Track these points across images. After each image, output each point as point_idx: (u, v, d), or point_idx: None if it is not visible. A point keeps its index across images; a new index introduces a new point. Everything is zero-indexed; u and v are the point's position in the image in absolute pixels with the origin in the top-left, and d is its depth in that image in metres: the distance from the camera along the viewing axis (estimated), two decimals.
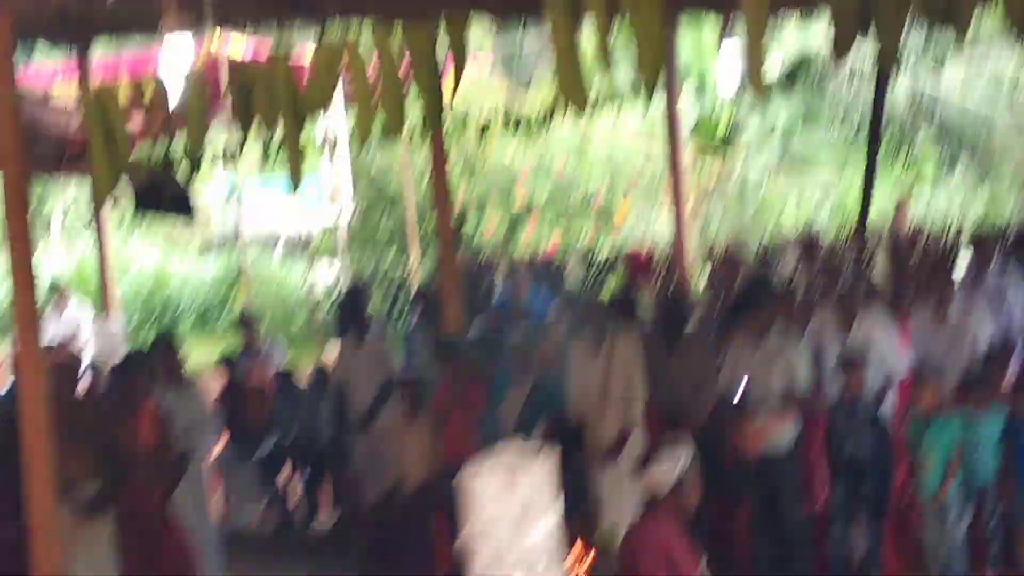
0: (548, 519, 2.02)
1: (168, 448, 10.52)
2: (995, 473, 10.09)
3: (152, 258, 33.71)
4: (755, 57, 4.75)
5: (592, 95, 18.83)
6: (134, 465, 10.34)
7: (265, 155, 18.26)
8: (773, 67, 25.02)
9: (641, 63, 4.41)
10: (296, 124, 4.56)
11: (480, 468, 2.07)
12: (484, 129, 20.13)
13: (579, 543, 7.77)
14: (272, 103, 4.59)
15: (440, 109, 7.76)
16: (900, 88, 24.93)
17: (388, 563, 11.88)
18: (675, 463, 6.58)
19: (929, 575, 10.21)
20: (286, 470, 14.68)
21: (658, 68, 4.45)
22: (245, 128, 4.91)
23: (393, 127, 4.64)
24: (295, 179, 4.81)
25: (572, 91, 4.32)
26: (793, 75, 19.17)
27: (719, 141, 28.23)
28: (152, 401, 10.57)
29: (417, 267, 25.43)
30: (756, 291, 11.83)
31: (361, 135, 4.46)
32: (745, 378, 10.57)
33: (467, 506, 2.04)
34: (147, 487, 10.39)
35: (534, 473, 2.05)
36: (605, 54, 4.49)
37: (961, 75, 25.22)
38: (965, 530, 10.08)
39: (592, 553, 7.69)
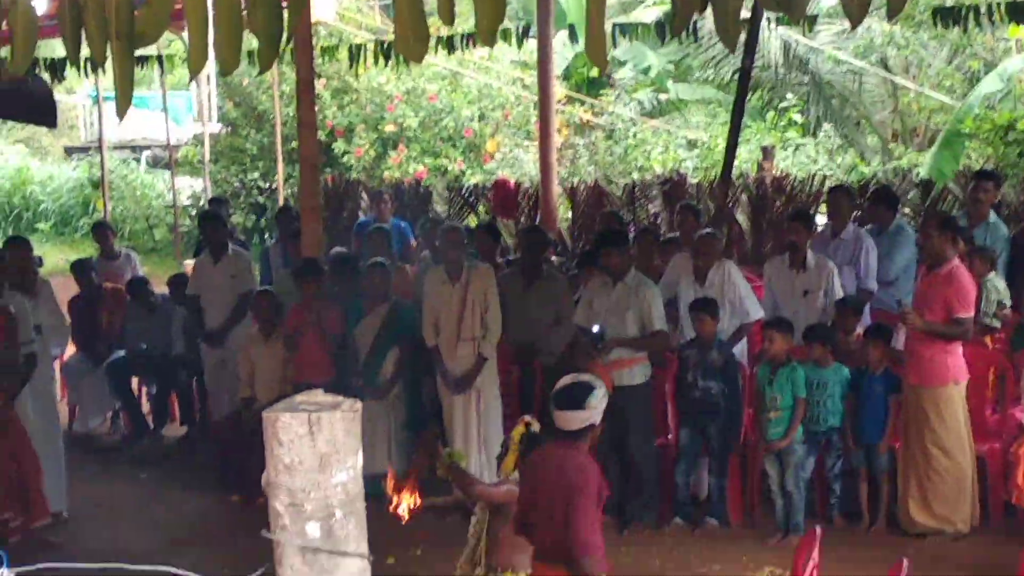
0: (348, 471, 2.02)
1: (14, 349, 10.37)
2: (840, 420, 10.29)
3: (12, 160, 33.12)
4: (596, 32, 4.69)
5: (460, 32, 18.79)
6: None
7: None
8: (647, 15, 25.14)
9: (480, 12, 4.34)
10: (126, 54, 4.37)
11: (282, 411, 2.06)
12: (356, 52, 20.03)
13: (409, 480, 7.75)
14: (102, 29, 4.39)
15: (308, 25, 7.68)
16: (775, 40, 25.11)
17: (233, 479, 11.84)
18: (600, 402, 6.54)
19: (773, 517, 10.39)
20: (136, 379, 14.54)
21: (497, 18, 4.35)
22: (73, 53, 4.71)
23: (265, 60, 4.49)
24: (121, 110, 4.63)
25: (408, 46, 4.20)
26: (663, 24, 19.24)
27: (590, 83, 28.39)
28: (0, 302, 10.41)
29: (282, 185, 25.26)
30: (615, 231, 11.89)
31: (224, 66, 4.30)
32: (600, 316, 10.63)
33: (268, 447, 2.05)
34: None
35: (336, 424, 2.04)
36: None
37: (836, 29, 25.47)
38: (808, 475, 10.27)
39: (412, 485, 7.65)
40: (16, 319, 10.35)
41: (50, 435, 11.26)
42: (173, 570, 2.12)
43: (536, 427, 7.95)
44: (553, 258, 14.50)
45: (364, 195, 21.45)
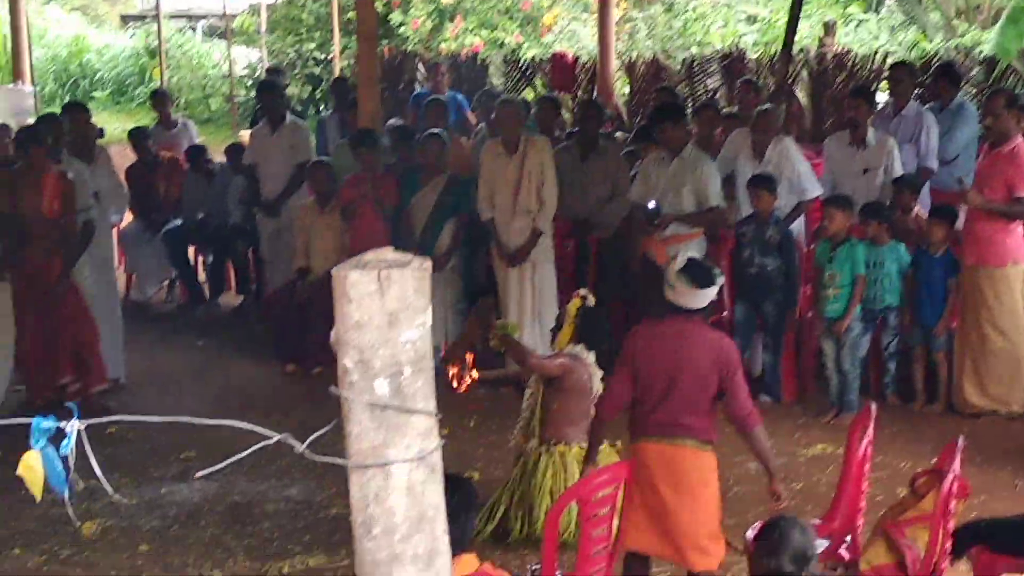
0: (416, 329, 2.03)
1: (71, 217, 10.44)
2: (898, 300, 10.26)
3: (69, 28, 33.12)
4: None
5: None
6: (35, 232, 10.29)
7: None
8: None
9: None
10: None
11: (351, 268, 2.07)
12: None
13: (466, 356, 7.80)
14: None
15: None
16: None
17: (288, 348, 11.95)
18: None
19: (826, 395, 10.41)
20: (192, 248, 14.65)
21: None
22: None
23: None
24: None
25: None
26: None
27: None
28: (56, 168, 10.46)
29: (338, 56, 25.18)
30: (672, 104, 11.81)
31: None
32: (656, 191, 10.60)
33: (337, 305, 2.06)
34: (48, 254, 10.35)
35: (406, 279, 2.05)
36: None
37: None
38: (864, 353, 10.27)
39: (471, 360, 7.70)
40: (74, 185, 10.40)
41: (108, 302, 11.38)
42: (240, 424, 2.15)
43: (592, 301, 7.98)
44: (617, 134, 14.42)
45: (421, 67, 21.37)
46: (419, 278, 2.11)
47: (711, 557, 6.57)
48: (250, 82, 27.22)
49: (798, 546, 5.02)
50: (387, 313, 2.10)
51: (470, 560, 4.98)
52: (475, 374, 7.78)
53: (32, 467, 2.28)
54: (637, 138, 12.72)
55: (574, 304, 7.97)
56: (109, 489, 2.34)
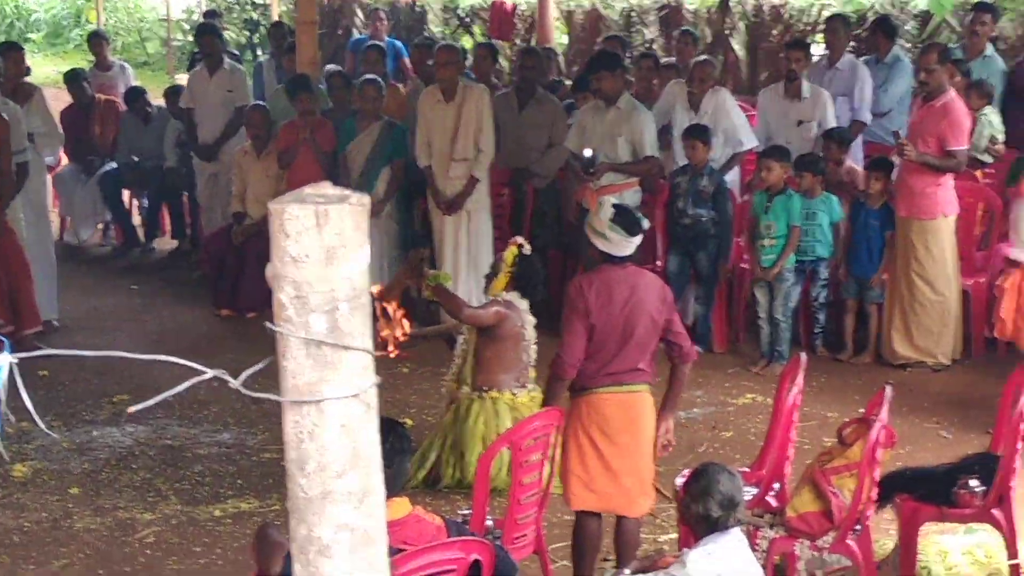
0: (354, 264, 2.05)
1: (6, 158, 10.34)
2: (828, 252, 10.34)
3: None
4: None
5: None
6: None
7: None
8: None
9: None
10: None
11: (289, 202, 2.08)
12: None
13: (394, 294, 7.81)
14: None
15: None
16: None
17: (223, 293, 11.92)
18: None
19: (757, 346, 10.50)
20: (127, 192, 14.55)
21: None
22: None
23: None
24: None
25: None
26: None
27: None
28: None
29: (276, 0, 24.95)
30: (609, 53, 11.80)
31: None
32: (593, 140, 10.61)
33: (274, 240, 2.07)
34: None
35: (344, 215, 2.06)
36: None
37: None
38: (795, 304, 10.35)
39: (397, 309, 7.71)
40: (8, 126, 10.30)
41: (42, 244, 11.31)
42: (174, 359, 2.16)
43: (528, 249, 8.03)
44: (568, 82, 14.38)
45: (359, 13, 21.27)
46: (357, 214, 2.13)
47: (649, 502, 6.66)
48: (188, 26, 26.97)
49: (726, 491, 5.08)
50: (324, 248, 2.11)
51: (402, 504, 5.02)
52: (407, 328, 7.79)
53: None
54: (575, 88, 12.73)
55: (511, 252, 8.02)
56: (42, 425, 2.34)
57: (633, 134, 10.56)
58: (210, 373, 2.22)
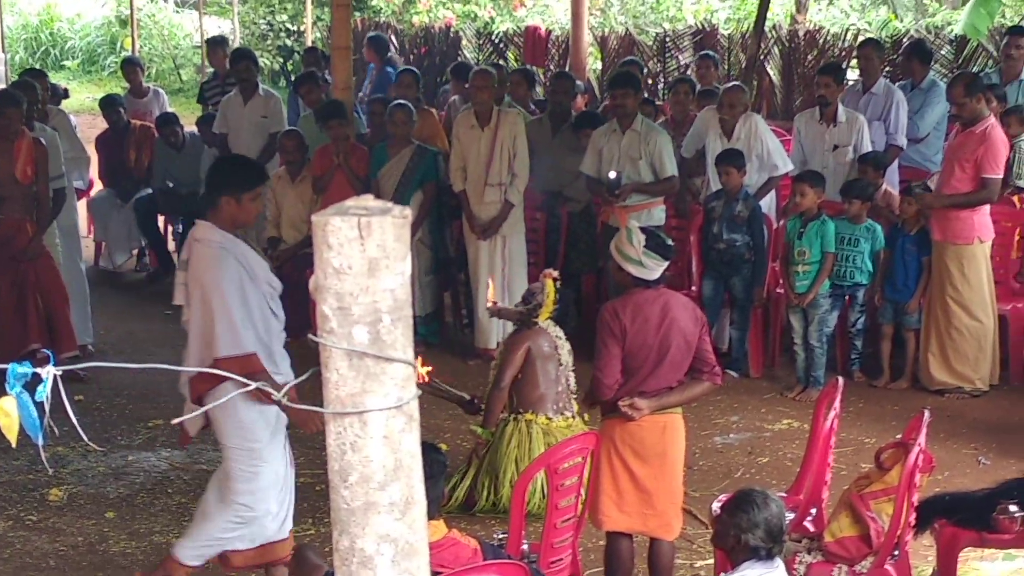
0: (396, 276, 2.05)
1: (44, 182, 10.39)
2: (867, 278, 10.29)
3: None
4: None
5: None
6: (5, 196, 10.23)
7: None
8: None
9: None
10: None
11: (332, 214, 2.09)
12: None
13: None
14: None
15: None
16: None
17: None
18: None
19: (793, 371, 10.45)
20: (162, 217, 14.60)
21: None
22: None
23: None
24: None
25: None
26: None
27: None
28: (31, 134, 10.40)
29: (310, 27, 25.11)
30: (627, 73, 11.80)
31: None
32: (611, 163, 10.63)
33: (317, 251, 2.08)
34: (19, 220, 10.30)
35: (386, 227, 2.06)
36: None
37: None
38: (831, 329, 10.31)
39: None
40: (47, 152, 10.36)
41: (74, 268, 11.33)
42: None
43: (559, 282, 8.07)
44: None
45: (394, 39, 21.33)
46: (399, 226, 2.12)
47: (680, 524, 6.65)
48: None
49: (772, 521, 5.05)
50: (367, 260, 2.11)
51: (438, 526, 5.01)
52: (426, 374, 7.76)
53: (7, 412, 2.28)
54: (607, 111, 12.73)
55: (551, 287, 8.03)
56: (85, 437, 2.35)
57: (653, 155, 10.60)
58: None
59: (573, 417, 8.04)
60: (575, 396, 8.07)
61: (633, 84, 10.89)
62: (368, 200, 2.16)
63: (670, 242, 6.55)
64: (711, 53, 14.73)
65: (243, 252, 6.53)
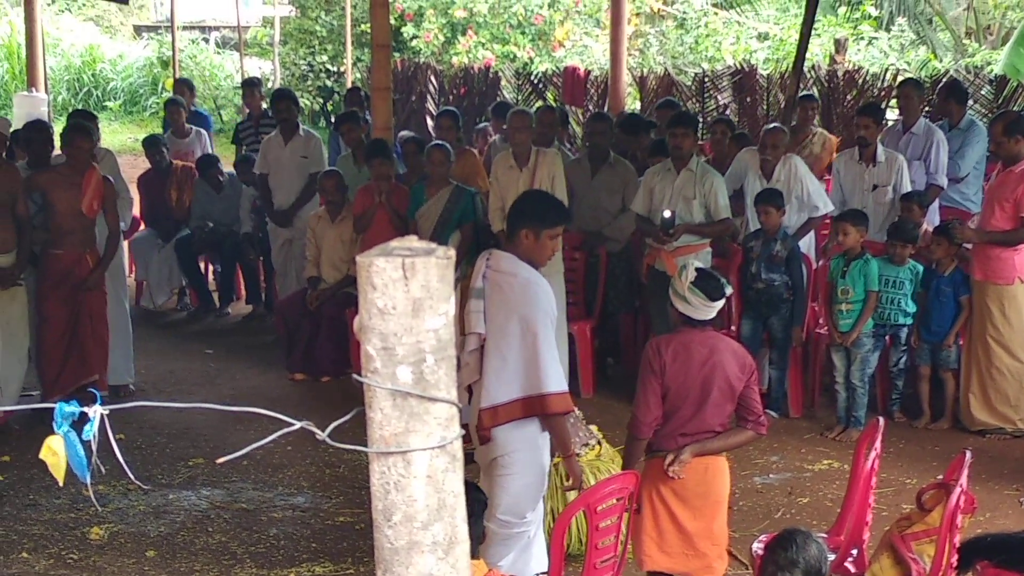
0: (440, 317, 2.07)
1: (113, 216, 10.61)
2: (911, 319, 10.26)
3: (83, 37, 33.21)
4: None
5: None
6: (68, 229, 10.37)
7: None
8: None
9: None
10: None
11: (376, 255, 2.11)
12: None
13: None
14: None
15: None
16: None
17: (297, 357, 11.98)
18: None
19: (833, 411, 10.42)
20: (203, 257, 14.69)
21: None
22: None
23: None
24: None
25: None
26: None
27: None
28: (98, 169, 10.57)
29: (350, 68, 25.25)
30: (686, 113, 11.84)
31: None
32: (664, 202, 10.63)
33: (362, 292, 2.10)
34: (81, 253, 10.46)
35: (430, 268, 2.09)
36: None
37: None
38: (873, 370, 10.27)
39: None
40: (114, 187, 10.58)
41: (119, 308, 11.42)
42: (261, 411, 2.18)
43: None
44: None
45: (433, 79, 21.42)
46: (443, 267, 2.14)
47: (723, 566, 6.62)
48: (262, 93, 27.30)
49: (813, 561, 5.02)
50: (411, 300, 2.13)
51: (479, 566, 5.01)
52: None
53: (55, 451, 2.31)
54: (651, 153, 12.73)
55: None
56: (131, 475, 2.36)
57: (707, 196, 10.57)
58: (298, 425, 2.24)
59: (599, 443, 8.00)
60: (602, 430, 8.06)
61: (692, 124, 10.92)
62: (412, 241, 2.18)
63: (727, 288, 6.50)
64: (812, 95, 14.62)
65: (547, 288, 6.65)
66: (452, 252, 2.18)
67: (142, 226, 14.59)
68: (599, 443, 8.02)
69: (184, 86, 16.51)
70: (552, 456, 7.21)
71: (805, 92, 14.98)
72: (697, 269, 6.47)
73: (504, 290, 6.51)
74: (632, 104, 19.69)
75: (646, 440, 6.48)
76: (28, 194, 10.24)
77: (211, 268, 14.96)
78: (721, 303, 6.43)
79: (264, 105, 15.03)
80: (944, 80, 16.30)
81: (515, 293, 6.48)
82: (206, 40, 33.49)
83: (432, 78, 21.98)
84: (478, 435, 6.56)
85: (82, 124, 11.02)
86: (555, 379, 6.48)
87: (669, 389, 6.35)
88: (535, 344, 6.41)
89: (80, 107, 26.50)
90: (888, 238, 10.38)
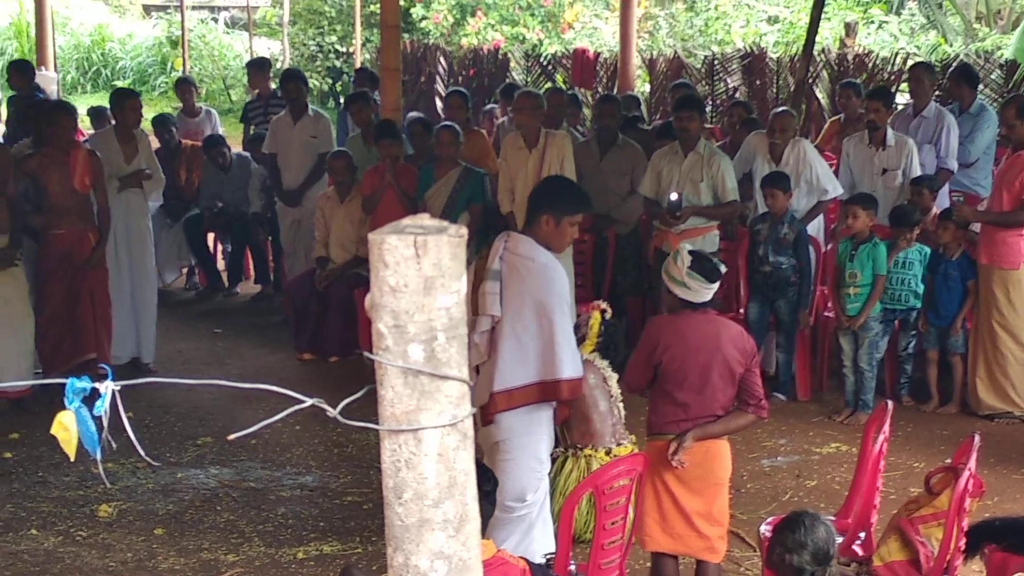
0: (452, 295, 2.07)
1: (103, 192, 10.62)
2: (920, 302, 10.25)
3: (93, 16, 33.16)
4: None
5: None
6: (64, 207, 10.39)
7: None
8: None
9: None
10: None
11: (388, 233, 2.11)
12: None
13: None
14: None
15: None
16: None
17: (306, 337, 11.99)
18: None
19: (841, 395, 10.41)
20: (212, 236, 14.69)
21: None
22: None
23: None
24: None
25: None
26: None
27: None
28: (84, 146, 10.58)
29: (359, 49, 25.23)
30: (694, 96, 11.82)
31: None
32: (672, 185, 10.62)
33: (374, 269, 2.10)
34: (81, 230, 10.47)
35: (442, 245, 2.09)
36: None
37: None
38: (882, 353, 10.27)
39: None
40: (102, 162, 10.67)
41: (146, 285, 11.56)
42: (273, 388, 2.18)
43: (609, 313, 8.03)
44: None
45: (442, 60, 21.40)
46: (455, 245, 2.14)
47: (725, 547, 6.62)
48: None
49: (822, 544, 5.02)
50: (423, 278, 2.13)
51: (488, 545, 5.01)
52: None
53: (66, 427, 2.31)
54: (658, 136, 12.72)
55: (596, 319, 7.99)
56: (142, 452, 2.37)
57: (715, 179, 10.57)
58: (309, 402, 2.24)
59: (633, 445, 7.98)
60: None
61: (698, 107, 10.92)
62: (424, 219, 2.19)
63: (722, 267, 6.51)
64: (854, 81, 14.51)
65: (563, 274, 6.68)
66: (464, 230, 2.18)
67: None
68: (634, 445, 8.02)
69: (187, 85, 16.45)
70: (557, 444, 7.24)
71: (848, 80, 14.85)
72: (691, 252, 6.47)
73: (521, 273, 6.51)
74: (641, 87, 19.66)
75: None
76: (18, 181, 10.26)
77: (220, 248, 14.97)
78: (717, 284, 6.44)
79: (273, 85, 15.00)
80: (955, 64, 16.27)
81: (532, 277, 6.48)
82: (215, 20, 33.46)
83: (441, 59, 21.95)
84: (482, 417, 6.55)
85: (62, 103, 11.08)
86: (570, 365, 6.49)
87: (666, 369, 6.36)
88: (551, 329, 6.42)
89: (89, 87, 26.55)
90: (891, 222, 10.36)
